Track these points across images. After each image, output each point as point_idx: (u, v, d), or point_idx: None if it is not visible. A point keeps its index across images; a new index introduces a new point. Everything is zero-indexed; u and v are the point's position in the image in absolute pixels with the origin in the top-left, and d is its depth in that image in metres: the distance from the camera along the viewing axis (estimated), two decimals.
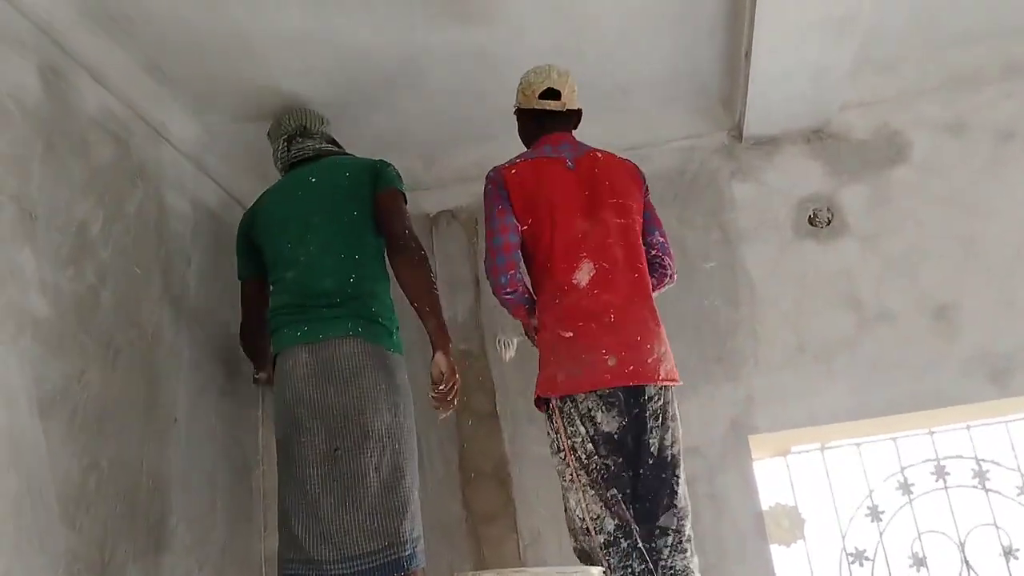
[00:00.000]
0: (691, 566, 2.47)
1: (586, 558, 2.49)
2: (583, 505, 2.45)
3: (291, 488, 2.55)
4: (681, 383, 2.61)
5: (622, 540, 2.39)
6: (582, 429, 2.46)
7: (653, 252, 2.76)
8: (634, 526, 2.42)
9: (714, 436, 3.27)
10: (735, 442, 3.27)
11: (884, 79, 3.49)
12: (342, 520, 2.45)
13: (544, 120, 2.79)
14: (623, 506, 2.42)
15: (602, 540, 2.40)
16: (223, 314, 3.32)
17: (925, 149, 3.46)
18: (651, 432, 2.49)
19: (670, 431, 2.52)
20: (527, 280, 2.74)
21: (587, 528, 2.44)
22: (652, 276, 2.72)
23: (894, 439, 3.49)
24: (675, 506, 2.48)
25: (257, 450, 3.39)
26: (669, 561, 2.44)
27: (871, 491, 3.44)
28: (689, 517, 2.52)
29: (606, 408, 2.46)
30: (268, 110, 3.22)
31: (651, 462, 2.48)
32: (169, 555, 2.72)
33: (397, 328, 2.77)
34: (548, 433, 2.58)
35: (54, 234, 2.40)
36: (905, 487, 3.42)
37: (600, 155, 2.74)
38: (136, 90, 2.91)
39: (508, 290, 2.65)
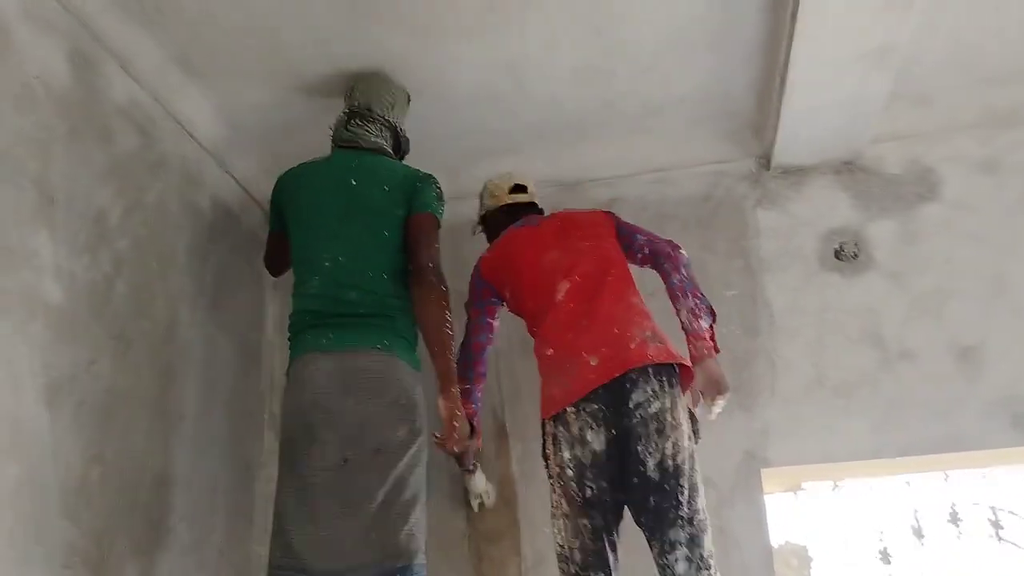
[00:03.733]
0: None
1: None
2: (562, 534, 2.45)
3: (292, 493, 2.50)
4: (683, 361, 2.54)
5: None
6: (566, 454, 2.43)
7: (647, 250, 2.81)
8: (608, 557, 2.38)
9: (726, 467, 3.17)
10: (747, 474, 3.17)
11: (919, 113, 3.42)
12: (339, 528, 2.41)
13: (516, 212, 3.02)
14: (594, 537, 2.38)
15: (573, 571, 2.39)
16: (237, 314, 3.29)
17: (957, 186, 3.39)
18: (642, 440, 2.37)
19: (671, 441, 2.38)
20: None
21: (564, 556, 2.43)
22: (663, 268, 2.74)
23: (908, 481, 3.42)
24: (683, 518, 2.33)
25: (261, 453, 3.34)
26: None
27: (882, 533, 3.37)
28: (708, 533, 2.38)
29: (595, 424, 2.41)
30: (296, 112, 3.20)
31: (648, 474, 2.35)
32: (167, 554, 2.67)
33: (417, 342, 2.73)
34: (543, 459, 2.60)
35: (72, 220, 2.39)
36: (917, 531, 3.35)
37: (563, 212, 2.96)
38: (163, 82, 2.90)
39: (465, 383, 2.75)
